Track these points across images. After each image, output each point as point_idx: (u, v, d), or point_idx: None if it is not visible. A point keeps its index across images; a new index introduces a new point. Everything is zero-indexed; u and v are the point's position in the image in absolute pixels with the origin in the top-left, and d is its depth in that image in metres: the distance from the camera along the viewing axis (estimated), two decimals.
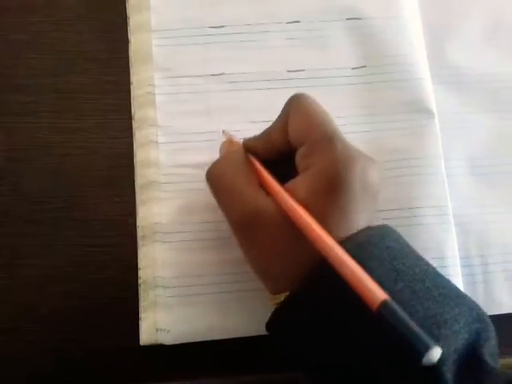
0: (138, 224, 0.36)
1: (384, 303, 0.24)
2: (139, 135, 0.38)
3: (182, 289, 0.35)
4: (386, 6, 0.41)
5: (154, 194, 0.36)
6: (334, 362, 0.27)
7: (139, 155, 0.37)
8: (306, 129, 0.30)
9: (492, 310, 0.36)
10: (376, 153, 0.30)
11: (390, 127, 0.38)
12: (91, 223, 0.36)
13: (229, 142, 0.35)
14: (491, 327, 0.27)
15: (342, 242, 0.27)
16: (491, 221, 0.38)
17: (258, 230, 0.29)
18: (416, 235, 0.36)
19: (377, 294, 0.24)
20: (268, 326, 0.30)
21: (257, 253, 0.30)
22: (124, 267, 0.36)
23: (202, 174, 0.33)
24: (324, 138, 0.29)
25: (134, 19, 0.40)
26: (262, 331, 0.30)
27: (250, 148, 0.33)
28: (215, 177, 0.32)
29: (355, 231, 0.28)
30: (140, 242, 0.36)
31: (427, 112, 0.39)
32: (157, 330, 0.34)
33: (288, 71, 0.39)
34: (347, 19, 0.40)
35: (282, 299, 0.28)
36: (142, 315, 0.34)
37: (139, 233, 0.36)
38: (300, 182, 0.29)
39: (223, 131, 0.37)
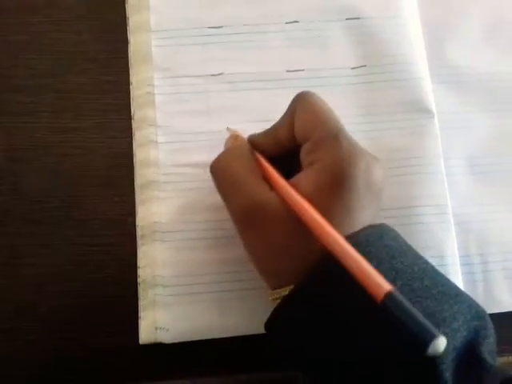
0: (137, 223, 0.36)
1: (389, 294, 0.24)
2: (139, 135, 0.38)
3: (181, 287, 0.35)
4: (385, 6, 0.41)
5: (153, 193, 0.36)
6: (335, 357, 0.27)
7: (139, 155, 0.37)
8: (312, 125, 0.30)
9: (492, 308, 0.36)
10: (376, 152, 0.30)
11: (389, 127, 0.38)
12: (91, 222, 0.36)
13: (233, 138, 0.35)
14: (490, 325, 0.27)
15: None
16: (491, 219, 0.38)
17: (261, 223, 0.29)
18: (416, 234, 0.36)
19: (382, 285, 0.24)
20: (269, 322, 0.29)
21: (259, 246, 0.30)
22: (123, 266, 0.36)
23: (202, 173, 0.33)
24: (329, 135, 0.29)
25: (133, 19, 0.40)
26: (263, 330, 0.30)
27: (255, 143, 0.33)
28: (219, 170, 0.32)
29: (358, 229, 0.28)
30: (139, 242, 0.36)
31: (427, 111, 0.39)
32: (156, 328, 0.34)
33: (287, 71, 0.39)
34: (346, 19, 0.40)
35: (284, 293, 0.28)
36: (142, 314, 0.35)
37: (139, 232, 0.36)
38: (304, 178, 0.29)
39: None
